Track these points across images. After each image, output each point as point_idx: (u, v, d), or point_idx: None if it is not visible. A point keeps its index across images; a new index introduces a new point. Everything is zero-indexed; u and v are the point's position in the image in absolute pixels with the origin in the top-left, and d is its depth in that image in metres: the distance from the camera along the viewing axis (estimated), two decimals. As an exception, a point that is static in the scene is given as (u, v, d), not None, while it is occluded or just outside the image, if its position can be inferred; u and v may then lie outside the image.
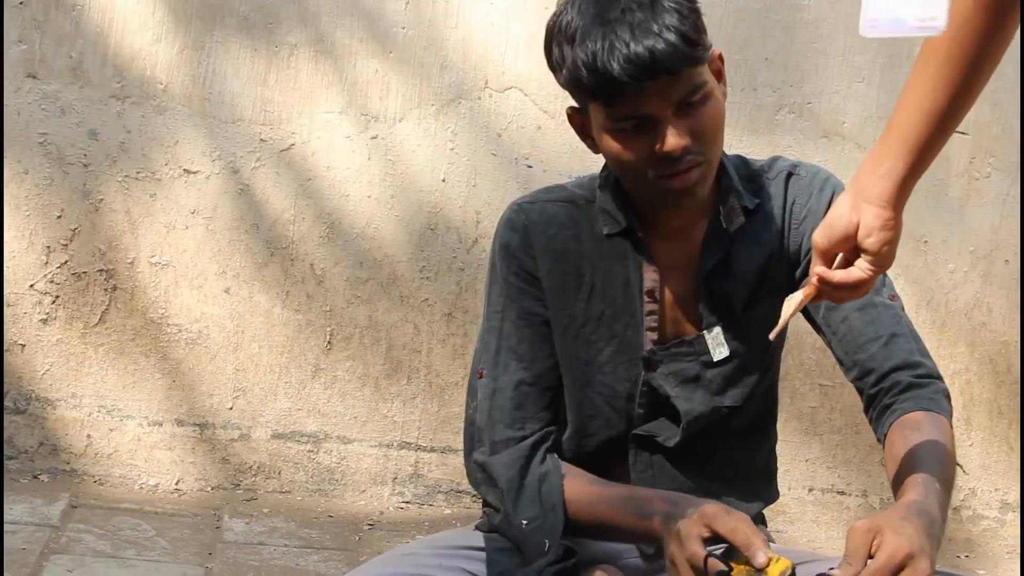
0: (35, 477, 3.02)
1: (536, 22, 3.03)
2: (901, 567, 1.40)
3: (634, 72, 1.50)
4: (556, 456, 1.66)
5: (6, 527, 2.71)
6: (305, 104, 3.02)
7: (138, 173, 3.00)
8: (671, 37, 1.51)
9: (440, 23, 3.03)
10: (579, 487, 1.63)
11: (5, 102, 2.95)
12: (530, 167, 3.08)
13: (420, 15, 3.02)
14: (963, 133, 3.16)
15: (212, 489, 3.07)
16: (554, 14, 1.61)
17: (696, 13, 1.55)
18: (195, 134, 3.00)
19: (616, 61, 1.50)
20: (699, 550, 1.46)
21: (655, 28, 1.51)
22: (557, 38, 1.59)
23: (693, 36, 1.53)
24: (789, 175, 1.68)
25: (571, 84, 1.57)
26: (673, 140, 1.53)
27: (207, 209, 3.02)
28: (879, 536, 1.43)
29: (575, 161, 3.05)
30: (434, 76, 3.04)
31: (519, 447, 1.64)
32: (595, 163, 3.04)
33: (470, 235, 3.08)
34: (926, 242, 3.18)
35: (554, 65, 1.61)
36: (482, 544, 1.65)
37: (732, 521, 1.46)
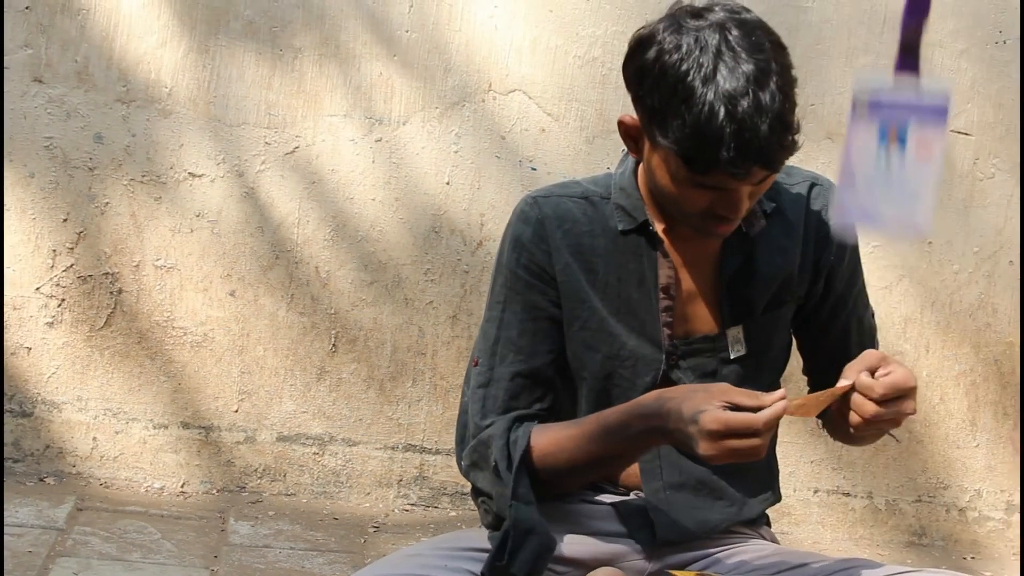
0: (41, 480, 3.02)
1: (539, 25, 3.04)
2: (902, 394, 1.51)
3: (741, 164, 1.48)
4: (531, 423, 1.65)
5: (12, 530, 2.71)
6: (310, 107, 3.03)
7: (143, 176, 3.00)
8: (784, 135, 1.49)
9: (444, 26, 3.03)
10: (550, 438, 1.63)
11: (12, 106, 2.96)
12: (534, 169, 3.08)
13: (424, 18, 3.03)
14: (966, 134, 3.16)
15: (217, 492, 3.08)
16: (652, 40, 1.53)
17: (794, 89, 1.53)
18: (200, 137, 3.01)
19: (727, 149, 1.47)
20: (726, 411, 1.48)
21: (770, 118, 1.47)
22: (660, 80, 1.51)
23: (796, 128, 1.51)
24: (812, 184, 1.71)
25: (666, 137, 1.52)
26: (737, 209, 1.55)
27: (212, 212, 3.03)
28: (888, 365, 1.53)
29: (579, 163, 3.06)
30: (438, 79, 3.04)
31: (503, 418, 1.64)
32: (598, 166, 3.05)
33: (474, 237, 3.08)
34: (930, 243, 3.18)
35: (646, 107, 1.54)
36: (487, 545, 1.66)
37: (748, 420, 1.48)
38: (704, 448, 1.48)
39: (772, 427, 1.48)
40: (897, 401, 1.52)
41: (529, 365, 1.66)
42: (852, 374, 1.54)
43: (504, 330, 1.66)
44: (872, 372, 1.53)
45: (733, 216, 1.55)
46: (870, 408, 1.52)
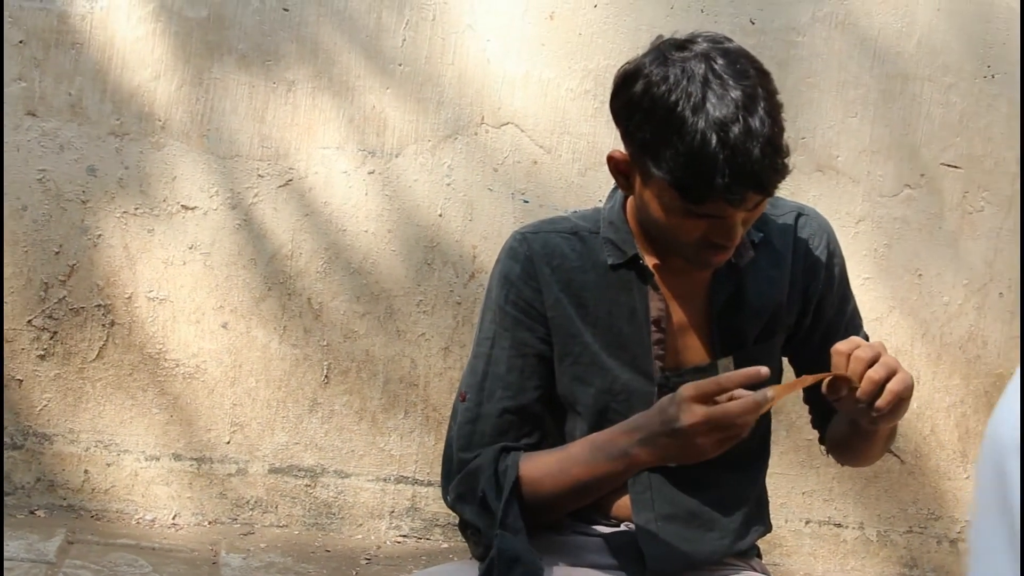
0: (32, 513, 3.01)
1: (531, 58, 3.06)
2: (877, 355, 1.53)
3: (736, 189, 1.49)
4: (518, 453, 1.65)
5: (4, 564, 2.70)
6: (303, 139, 3.04)
7: (136, 209, 3.01)
8: (776, 158, 1.50)
9: (437, 59, 3.05)
10: (537, 464, 1.63)
11: (5, 139, 2.97)
12: (526, 202, 3.09)
13: (417, 52, 3.04)
14: (956, 167, 3.18)
15: (209, 524, 3.07)
16: (638, 74, 1.54)
17: (781, 113, 1.54)
18: (193, 170, 3.02)
19: (721, 176, 1.47)
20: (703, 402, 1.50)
21: (761, 142, 1.48)
22: (650, 113, 1.52)
23: (787, 151, 1.52)
24: (799, 215, 1.73)
25: (659, 169, 1.52)
26: (732, 236, 1.56)
27: (205, 244, 3.03)
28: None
29: (571, 196, 3.07)
30: (431, 112, 3.06)
31: (490, 449, 1.65)
32: (591, 199, 3.06)
33: (467, 269, 3.09)
34: (920, 275, 3.19)
35: (637, 141, 1.54)
36: (479, 577, 1.66)
37: (719, 378, 1.50)
38: (686, 418, 1.49)
39: (742, 383, 1.49)
40: (880, 364, 1.53)
41: (517, 402, 1.66)
42: (836, 356, 1.56)
43: (493, 366, 1.67)
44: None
45: (728, 244, 1.56)
46: (861, 363, 1.53)
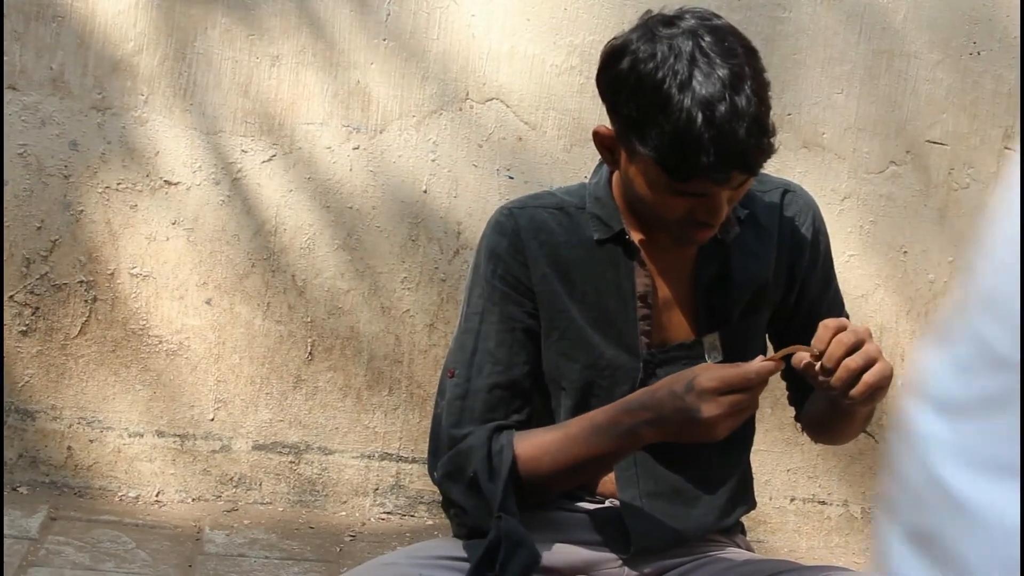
0: (14, 489, 3.00)
1: (516, 34, 3.04)
2: (859, 342, 1.51)
3: (721, 168, 1.48)
4: (512, 431, 1.65)
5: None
6: (287, 115, 3.02)
7: (119, 184, 2.99)
8: (762, 138, 1.49)
9: (421, 34, 3.03)
10: (533, 443, 1.63)
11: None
12: (511, 178, 3.08)
13: (402, 27, 3.02)
14: (942, 144, 3.18)
15: (193, 500, 3.06)
16: (625, 50, 1.53)
17: (768, 91, 1.54)
18: (176, 145, 3.00)
19: (706, 155, 1.47)
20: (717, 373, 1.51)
21: (747, 121, 1.47)
22: (636, 89, 1.51)
23: (773, 130, 1.52)
24: (785, 191, 1.72)
25: (644, 146, 1.52)
26: (717, 214, 1.55)
27: (188, 220, 3.01)
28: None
29: (556, 172, 3.06)
30: (415, 87, 3.04)
31: (483, 428, 1.64)
32: (576, 175, 3.06)
33: (451, 246, 3.08)
34: (906, 252, 3.19)
35: (623, 117, 1.54)
36: (463, 554, 1.65)
37: (746, 374, 1.51)
38: (708, 410, 1.50)
39: (764, 379, 1.51)
40: (861, 352, 1.51)
41: (507, 376, 1.66)
42: (823, 329, 1.55)
43: (482, 341, 1.66)
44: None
45: (713, 221, 1.56)
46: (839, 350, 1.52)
